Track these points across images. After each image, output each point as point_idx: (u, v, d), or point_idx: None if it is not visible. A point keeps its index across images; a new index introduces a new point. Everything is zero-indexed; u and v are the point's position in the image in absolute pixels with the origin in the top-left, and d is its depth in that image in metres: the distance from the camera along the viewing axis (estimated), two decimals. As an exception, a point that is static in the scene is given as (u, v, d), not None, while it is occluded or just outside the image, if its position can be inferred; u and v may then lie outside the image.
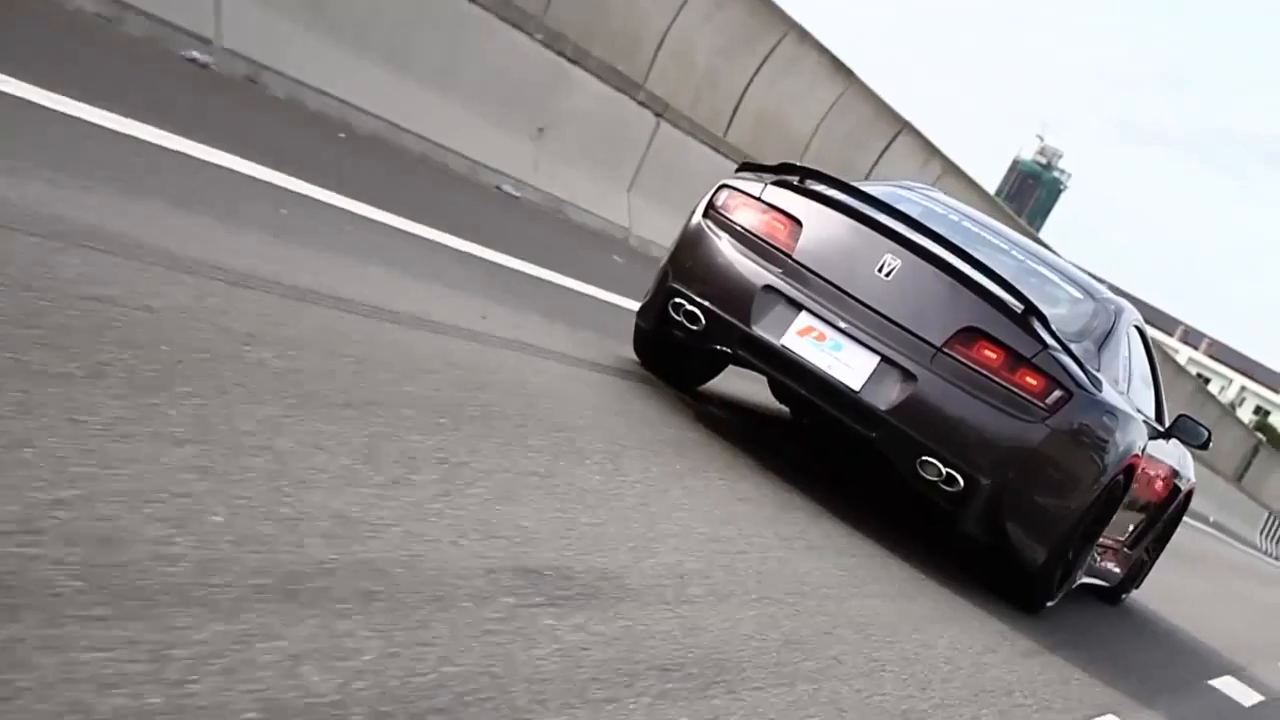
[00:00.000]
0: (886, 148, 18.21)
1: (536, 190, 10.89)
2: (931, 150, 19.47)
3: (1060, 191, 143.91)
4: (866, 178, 17.03)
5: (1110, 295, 6.72)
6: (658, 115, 12.51)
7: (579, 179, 11.56)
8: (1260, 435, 43.17)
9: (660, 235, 11.57)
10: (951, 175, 19.88)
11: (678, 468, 4.97)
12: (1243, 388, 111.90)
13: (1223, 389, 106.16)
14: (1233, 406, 63.12)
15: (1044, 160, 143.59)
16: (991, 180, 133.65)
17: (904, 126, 18.40)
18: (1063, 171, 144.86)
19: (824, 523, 5.47)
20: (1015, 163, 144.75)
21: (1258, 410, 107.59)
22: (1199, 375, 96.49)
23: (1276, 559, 36.47)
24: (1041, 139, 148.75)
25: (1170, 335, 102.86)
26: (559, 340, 6.06)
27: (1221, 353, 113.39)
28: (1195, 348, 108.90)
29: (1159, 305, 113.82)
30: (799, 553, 4.79)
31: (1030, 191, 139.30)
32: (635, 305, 6.40)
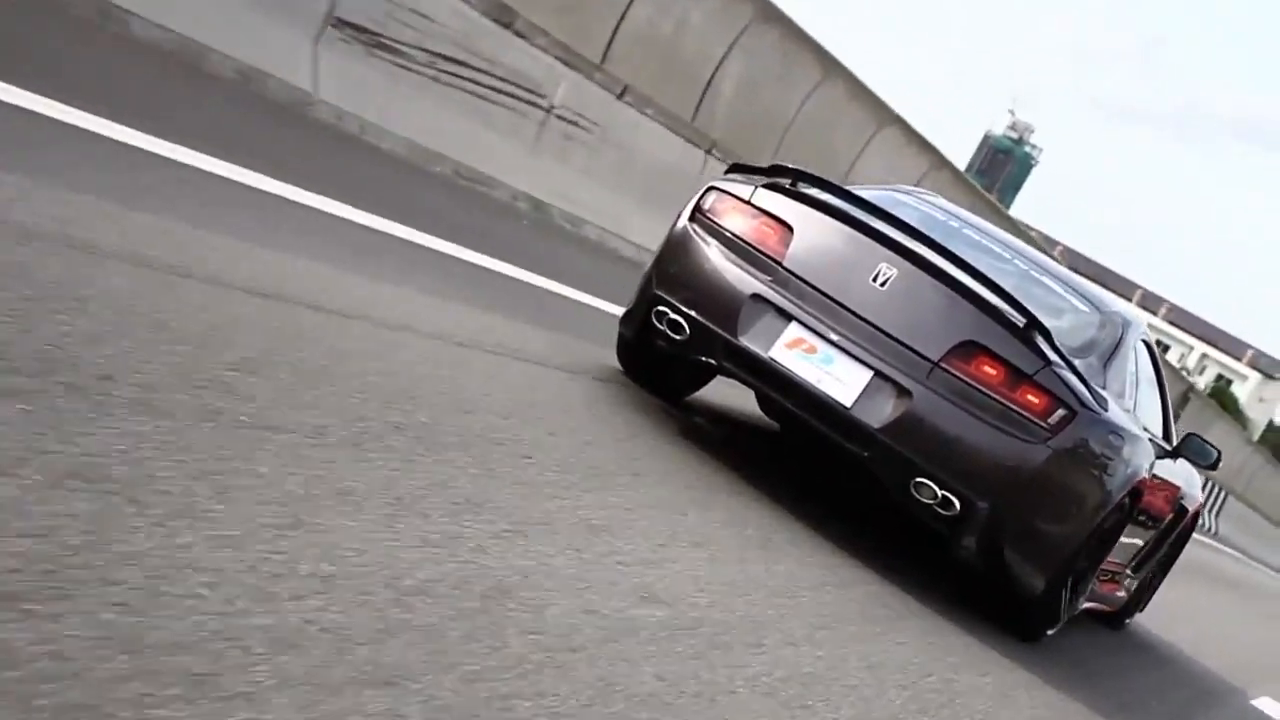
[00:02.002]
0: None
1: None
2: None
3: (1031, 166, 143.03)
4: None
5: (1117, 307, 6.42)
6: None
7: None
8: (1190, 382, 39.57)
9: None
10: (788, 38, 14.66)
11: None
12: (1204, 355, 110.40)
13: (1183, 356, 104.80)
14: (1187, 373, 61.14)
15: (1015, 135, 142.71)
16: (963, 155, 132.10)
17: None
18: (1034, 146, 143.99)
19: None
20: (986, 137, 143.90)
21: (1219, 378, 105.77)
22: (1157, 342, 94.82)
23: (1218, 538, 33.33)
24: (1013, 113, 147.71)
25: (1129, 300, 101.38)
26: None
27: (1181, 318, 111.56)
28: (1154, 313, 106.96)
29: (1116, 269, 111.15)
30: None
31: (1002, 166, 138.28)
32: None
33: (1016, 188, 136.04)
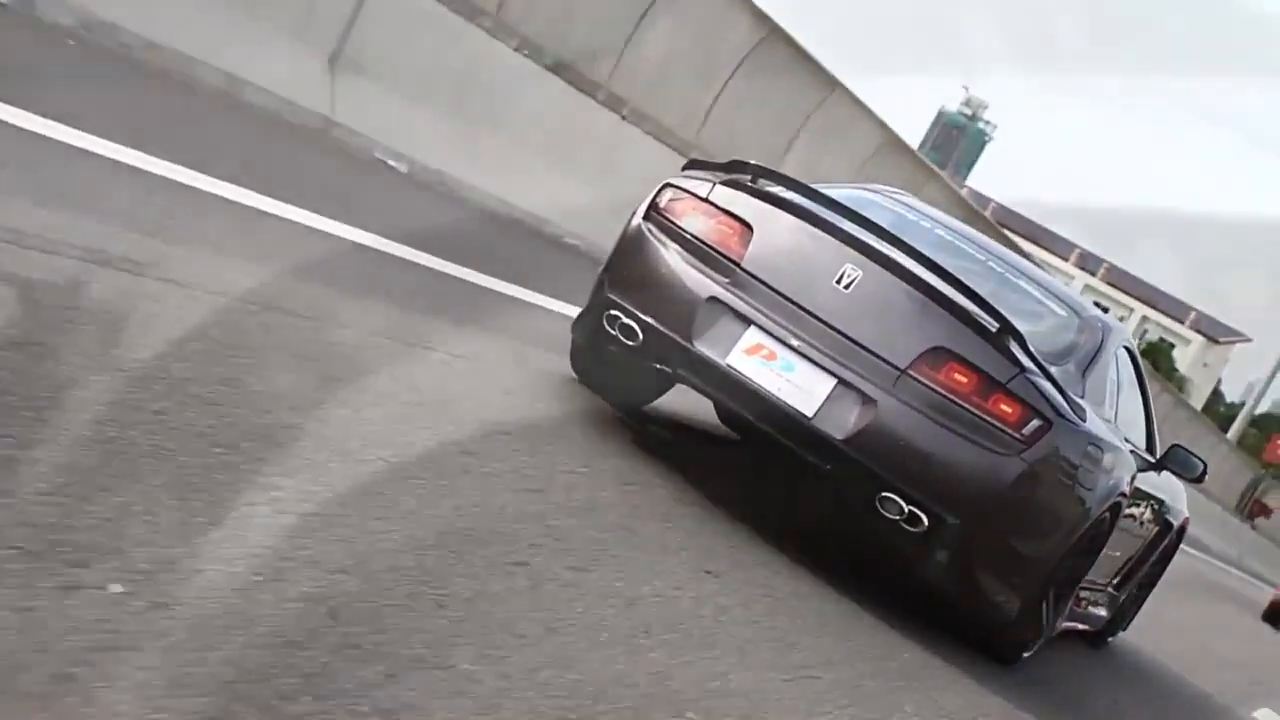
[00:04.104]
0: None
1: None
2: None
3: (985, 142, 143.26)
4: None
5: (1097, 313, 6.09)
6: None
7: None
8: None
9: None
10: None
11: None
12: (1144, 318, 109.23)
13: (1122, 319, 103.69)
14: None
15: (969, 111, 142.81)
16: (916, 132, 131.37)
17: None
18: (988, 122, 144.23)
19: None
20: (940, 114, 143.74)
21: (1160, 340, 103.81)
22: (1095, 303, 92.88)
23: None
24: (967, 89, 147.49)
25: (1065, 260, 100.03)
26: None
27: (1121, 279, 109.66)
28: (1092, 274, 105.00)
29: (1054, 229, 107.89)
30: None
31: (955, 143, 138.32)
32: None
33: (971, 164, 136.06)
